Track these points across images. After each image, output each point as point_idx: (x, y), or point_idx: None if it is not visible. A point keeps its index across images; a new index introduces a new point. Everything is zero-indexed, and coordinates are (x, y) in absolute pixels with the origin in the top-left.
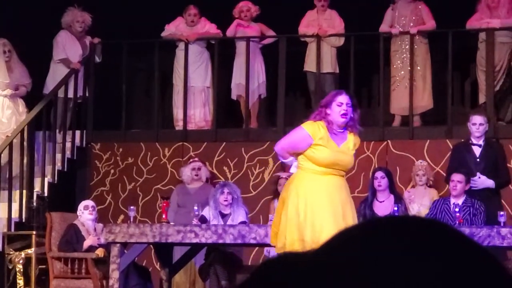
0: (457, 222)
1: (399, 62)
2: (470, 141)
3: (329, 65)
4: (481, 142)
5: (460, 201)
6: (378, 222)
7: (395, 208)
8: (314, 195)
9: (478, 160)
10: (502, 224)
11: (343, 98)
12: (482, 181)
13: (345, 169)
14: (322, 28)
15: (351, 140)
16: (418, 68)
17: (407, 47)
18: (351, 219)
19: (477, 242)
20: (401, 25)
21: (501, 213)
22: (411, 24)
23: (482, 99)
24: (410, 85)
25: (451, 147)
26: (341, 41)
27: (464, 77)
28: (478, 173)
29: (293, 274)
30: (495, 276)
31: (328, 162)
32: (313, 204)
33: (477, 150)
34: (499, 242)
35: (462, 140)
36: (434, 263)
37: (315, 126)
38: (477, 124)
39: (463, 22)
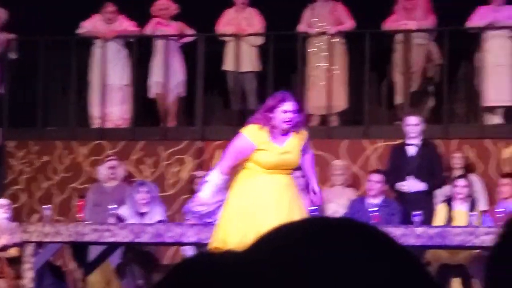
0: (374, 221)
1: (316, 61)
2: (406, 142)
3: (249, 63)
4: (416, 142)
5: (377, 201)
6: (303, 223)
7: (313, 208)
8: (259, 194)
9: (412, 160)
10: (417, 224)
11: (288, 106)
12: (412, 185)
13: (291, 167)
14: (241, 27)
15: (296, 138)
16: (335, 67)
17: (325, 46)
18: (298, 217)
19: (399, 243)
20: (319, 25)
21: (416, 213)
22: (329, 24)
23: (398, 100)
24: (327, 85)
25: (367, 147)
26: (260, 40)
27: (381, 78)
28: (407, 177)
29: (212, 274)
30: (417, 275)
31: (272, 165)
32: (256, 204)
33: (412, 150)
34: (413, 241)
35: (400, 141)
36: (359, 264)
37: (256, 131)
38: (412, 124)
39: (380, 23)
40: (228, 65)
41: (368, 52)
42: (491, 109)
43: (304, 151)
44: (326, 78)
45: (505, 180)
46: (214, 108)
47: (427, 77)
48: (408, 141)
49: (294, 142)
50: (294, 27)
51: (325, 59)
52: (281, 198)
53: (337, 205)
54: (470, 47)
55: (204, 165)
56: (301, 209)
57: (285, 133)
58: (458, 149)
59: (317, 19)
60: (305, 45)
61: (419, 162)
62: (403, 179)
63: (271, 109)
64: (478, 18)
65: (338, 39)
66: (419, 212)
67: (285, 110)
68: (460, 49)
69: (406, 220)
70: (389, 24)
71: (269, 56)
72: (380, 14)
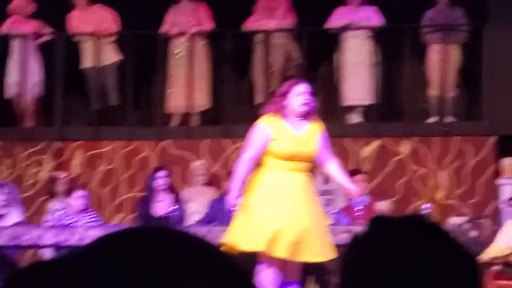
0: None
1: (177, 61)
2: None
3: (107, 57)
4: None
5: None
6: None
7: (174, 207)
8: (276, 194)
9: None
10: None
11: (303, 87)
12: None
13: (307, 160)
14: (96, 25)
15: (312, 126)
16: (196, 67)
17: (186, 45)
18: (315, 216)
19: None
20: (181, 24)
21: None
22: (191, 24)
23: (259, 99)
24: (188, 85)
25: (228, 146)
26: (115, 36)
27: (242, 77)
28: None
29: (41, 281)
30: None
31: (288, 155)
32: (273, 206)
33: None
34: None
35: None
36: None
37: (271, 119)
38: None
39: (241, 22)
40: (86, 63)
41: (229, 51)
42: (351, 108)
43: (325, 151)
44: (187, 77)
45: (358, 177)
46: (74, 108)
47: (287, 76)
48: None
49: (311, 131)
50: (157, 26)
51: (186, 59)
52: (297, 197)
53: (197, 204)
54: (329, 46)
55: (64, 166)
56: (318, 208)
57: (302, 119)
58: None
59: (180, 19)
60: (166, 45)
61: None
62: None
63: (284, 95)
64: (337, 19)
65: (199, 39)
66: None
67: (300, 92)
68: (319, 48)
69: None
70: (250, 24)
71: (129, 56)
72: (243, 13)
